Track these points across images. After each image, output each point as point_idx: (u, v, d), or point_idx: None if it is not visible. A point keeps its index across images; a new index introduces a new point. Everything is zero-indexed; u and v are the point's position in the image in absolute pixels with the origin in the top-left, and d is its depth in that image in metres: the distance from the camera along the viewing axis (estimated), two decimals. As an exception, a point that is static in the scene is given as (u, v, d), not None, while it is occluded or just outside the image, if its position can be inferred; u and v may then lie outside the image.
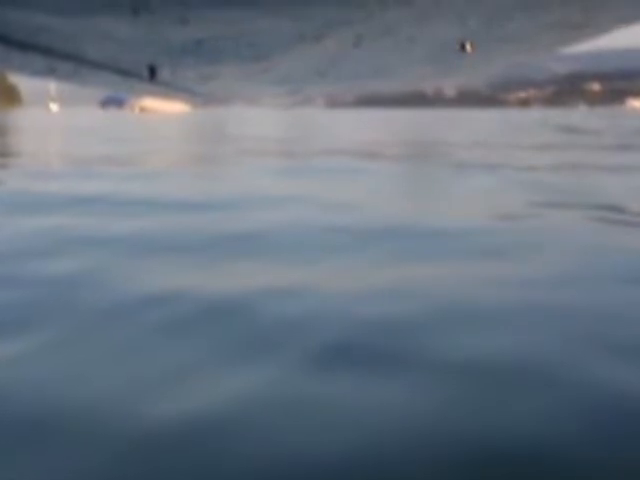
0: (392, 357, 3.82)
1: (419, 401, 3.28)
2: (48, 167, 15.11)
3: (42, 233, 7.18)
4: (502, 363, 3.73)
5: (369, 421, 3.09)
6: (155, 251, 6.42)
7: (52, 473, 2.71)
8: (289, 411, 3.21)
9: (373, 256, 6.15)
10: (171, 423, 3.09)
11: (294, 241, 6.81)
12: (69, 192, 10.37)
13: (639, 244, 6.72)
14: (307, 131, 19.59)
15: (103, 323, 4.49)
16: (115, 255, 6.25)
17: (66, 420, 3.14)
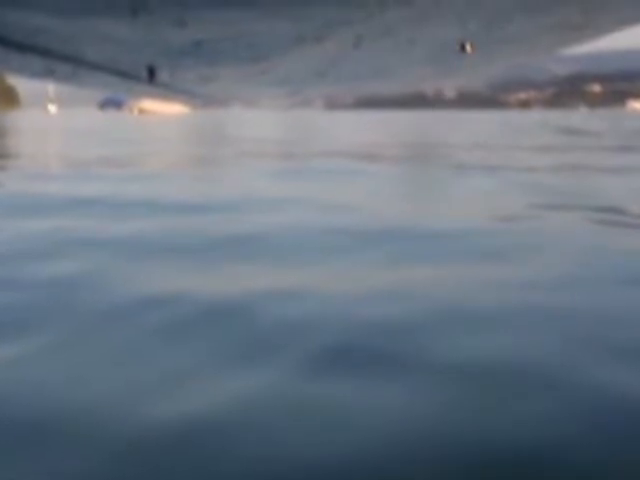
0: (392, 359, 3.82)
1: (419, 403, 3.28)
2: (47, 169, 15.11)
3: (41, 235, 7.18)
4: (502, 365, 3.74)
5: (369, 423, 3.09)
6: (155, 253, 6.42)
7: (52, 475, 2.71)
8: (288, 413, 3.21)
9: (372, 258, 6.15)
10: (170, 425, 3.09)
11: (293, 243, 6.82)
12: (68, 194, 10.37)
13: (639, 246, 6.73)
14: (306, 133, 19.59)
15: (102, 325, 4.49)
16: (114, 257, 6.25)
17: (65, 422, 3.14)
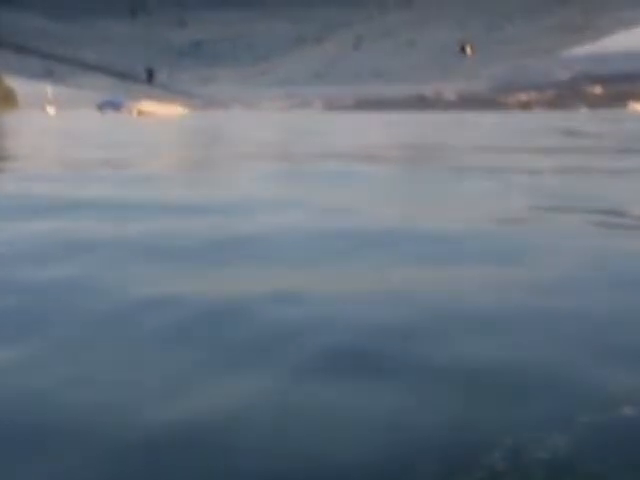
0: (394, 361, 3.82)
1: (414, 405, 3.29)
2: (46, 171, 15.09)
3: (40, 237, 7.18)
4: (503, 367, 3.74)
5: (366, 423, 3.10)
6: (154, 255, 6.41)
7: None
8: (284, 410, 3.22)
9: (372, 260, 6.15)
10: (167, 424, 3.10)
11: (292, 245, 6.80)
12: (67, 196, 10.36)
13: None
14: (306, 134, 19.56)
15: (100, 327, 4.49)
16: (115, 259, 6.25)
17: (65, 422, 3.15)
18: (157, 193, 10.75)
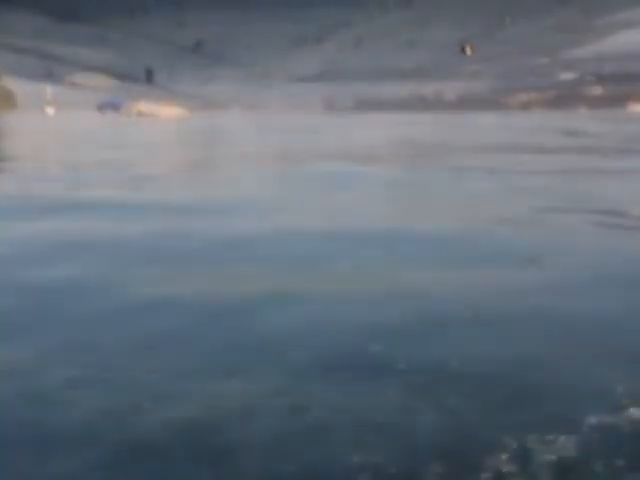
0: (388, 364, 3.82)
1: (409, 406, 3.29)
2: (46, 172, 15.11)
3: (39, 237, 7.18)
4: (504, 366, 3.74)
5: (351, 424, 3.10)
6: (154, 257, 6.43)
7: None
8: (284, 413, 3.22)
9: (372, 261, 6.15)
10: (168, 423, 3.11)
11: (291, 247, 6.80)
12: (67, 197, 10.37)
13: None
14: (306, 135, 19.57)
15: (96, 329, 4.50)
16: (114, 261, 6.25)
17: (65, 422, 3.16)
18: (158, 194, 10.75)
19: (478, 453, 2.83)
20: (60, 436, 3.07)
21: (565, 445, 2.86)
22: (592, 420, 3.05)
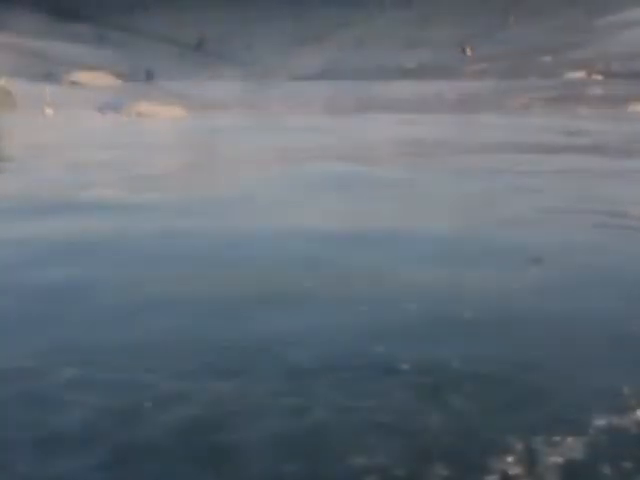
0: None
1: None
2: (46, 172, 15.10)
3: (38, 237, 7.19)
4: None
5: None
6: (154, 258, 6.44)
7: None
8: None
9: (367, 262, 6.16)
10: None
11: (283, 250, 6.79)
12: (67, 198, 10.38)
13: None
14: (307, 135, 19.60)
15: (90, 330, 4.52)
16: (114, 259, 6.27)
17: (66, 423, 3.17)
18: (159, 195, 10.74)
19: (483, 455, 2.83)
20: (61, 435, 3.08)
21: (571, 447, 2.86)
22: (598, 422, 3.06)
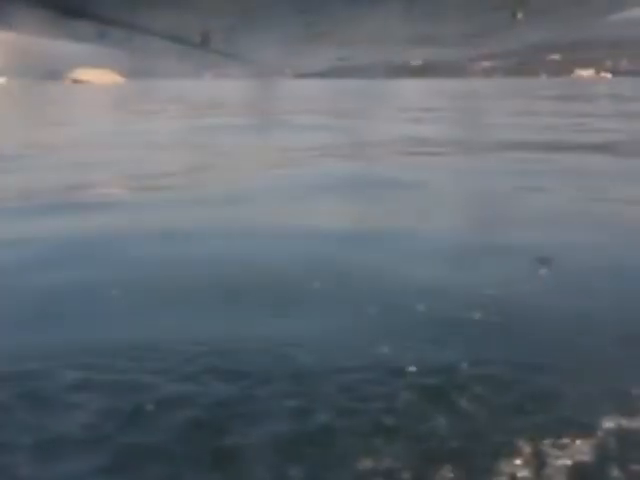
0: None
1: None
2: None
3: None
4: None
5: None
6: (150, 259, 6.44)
7: None
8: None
9: (378, 261, 6.15)
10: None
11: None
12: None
13: None
14: (313, 134, 19.53)
15: (98, 328, 4.53)
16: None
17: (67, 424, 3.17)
18: (161, 194, 10.70)
19: (491, 457, 2.83)
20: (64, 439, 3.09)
21: (579, 449, 2.86)
22: (607, 424, 3.05)
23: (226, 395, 3.54)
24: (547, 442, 2.93)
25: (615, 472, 2.76)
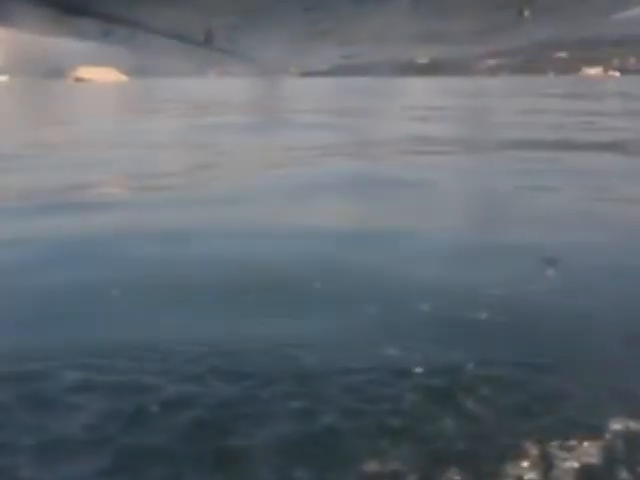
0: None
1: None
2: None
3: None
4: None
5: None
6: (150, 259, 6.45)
7: None
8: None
9: (380, 260, 6.15)
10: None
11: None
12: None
13: None
14: (319, 132, 19.53)
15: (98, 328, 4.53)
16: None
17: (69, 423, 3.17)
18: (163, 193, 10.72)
19: (498, 459, 2.83)
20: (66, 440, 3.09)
21: (586, 451, 2.86)
22: (614, 425, 3.05)
23: (229, 396, 3.55)
24: (554, 444, 2.94)
25: (623, 474, 2.76)
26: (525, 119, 23.20)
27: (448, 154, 14.47)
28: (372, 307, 4.85)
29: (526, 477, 2.75)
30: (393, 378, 3.69)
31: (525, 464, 2.81)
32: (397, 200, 9.24)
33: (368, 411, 3.32)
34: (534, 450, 2.89)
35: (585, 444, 2.92)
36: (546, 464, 2.81)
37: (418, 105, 31.22)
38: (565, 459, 2.82)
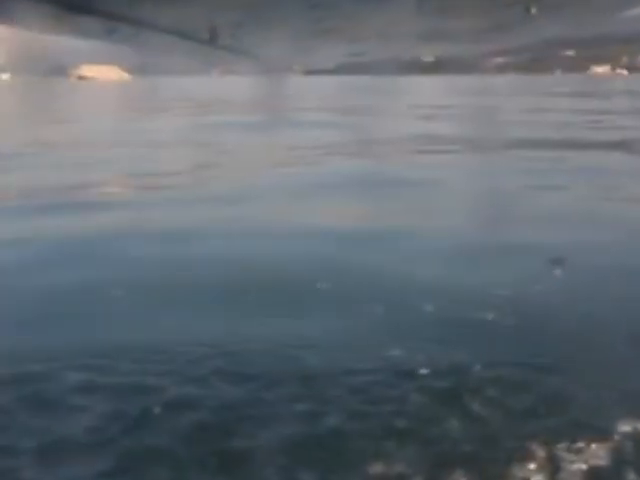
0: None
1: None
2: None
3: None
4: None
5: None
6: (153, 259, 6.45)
7: None
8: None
9: (383, 260, 6.15)
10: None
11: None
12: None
13: None
14: (321, 131, 19.50)
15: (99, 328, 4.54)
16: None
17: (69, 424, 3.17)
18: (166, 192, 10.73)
19: (504, 461, 2.83)
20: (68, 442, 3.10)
21: (593, 452, 2.86)
22: (621, 427, 3.05)
23: (233, 397, 3.55)
24: (561, 445, 2.94)
25: (631, 476, 2.76)
26: (532, 118, 23.16)
27: (454, 153, 14.45)
28: (377, 307, 4.85)
29: (533, 479, 2.74)
30: (398, 379, 3.69)
31: (532, 466, 2.81)
32: (402, 199, 9.22)
33: (373, 413, 3.32)
34: (541, 452, 2.90)
35: (592, 446, 2.92)
36: (553, 466, 2.81)
37: (423, 104, 31.17)
38: (572, 461, 2.82)
